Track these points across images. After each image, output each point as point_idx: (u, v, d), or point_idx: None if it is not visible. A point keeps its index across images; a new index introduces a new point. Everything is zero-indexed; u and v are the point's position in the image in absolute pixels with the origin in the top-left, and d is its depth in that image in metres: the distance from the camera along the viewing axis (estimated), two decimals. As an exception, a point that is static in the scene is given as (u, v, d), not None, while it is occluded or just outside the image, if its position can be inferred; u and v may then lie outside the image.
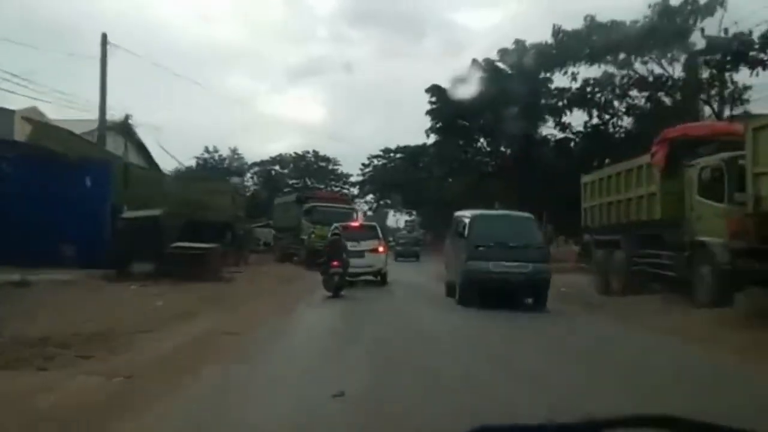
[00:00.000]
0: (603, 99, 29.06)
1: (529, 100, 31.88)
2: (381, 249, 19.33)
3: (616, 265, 15.12)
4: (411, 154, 53.77)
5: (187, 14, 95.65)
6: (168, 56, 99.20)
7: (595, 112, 29.63)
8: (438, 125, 36.39)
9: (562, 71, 27.83)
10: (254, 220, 49.18)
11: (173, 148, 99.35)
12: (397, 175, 57.57)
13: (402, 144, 59.72)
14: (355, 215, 27.97)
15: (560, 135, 32.11)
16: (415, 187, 52.38)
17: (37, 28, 57.38)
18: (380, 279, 18.92)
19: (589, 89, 28.52)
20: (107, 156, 19.37)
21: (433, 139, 38.57)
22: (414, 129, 63.59)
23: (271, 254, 33.14)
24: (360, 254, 18.28)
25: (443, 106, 34.35)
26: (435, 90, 35.68)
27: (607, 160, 30.20)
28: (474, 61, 34.32)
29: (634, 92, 28.21)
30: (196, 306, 11.72)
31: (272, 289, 16.40)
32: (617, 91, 28.31)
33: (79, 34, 56.26)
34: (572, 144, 31.34)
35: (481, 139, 37.07)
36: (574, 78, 27.92)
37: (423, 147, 47.00)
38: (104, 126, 21.01)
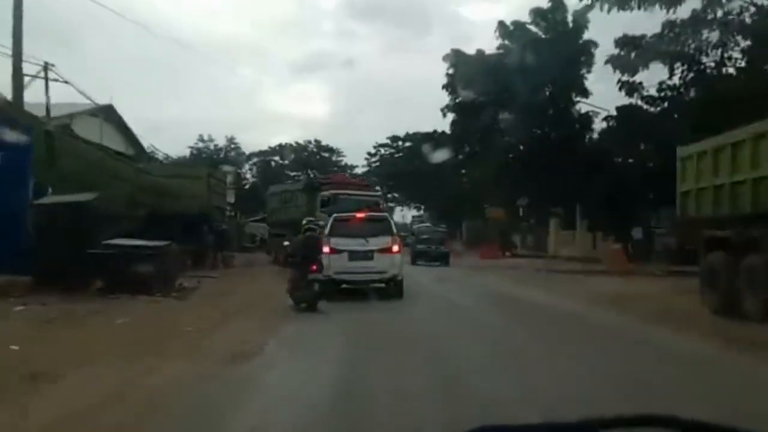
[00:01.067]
0: (693, 47, 21.45)
1: (567, 69, 26.54)
2: (395, 248, 14.09)
3: (752, 276, 9.87)
4: (420, 141, 48.81)
5: (193, 7, 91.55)
6: (170, 50, 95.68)
7: (678, 68, 21.89)
8: (457, 100, 30.85)
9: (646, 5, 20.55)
10: (252, 213, 44.70)
11: (172, 140, 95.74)
12: (404, 166, 52.73)
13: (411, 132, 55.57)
14: (382, 204, 22.66)
15: (610, 106, 25.78)
16: (423, 179, 47.52)
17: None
18: (394, 287, 13.77)
19: (671, 35, 21.01)
20: (25, 120, 14.01)
21: (450, 119, 33.14)
22: (419, 126, 60.12)
23: (268, 254, 27.85)
24: (367, 255, 13.47)
25: (464, 75, 28.68)
26: (455, 57, 30.19)
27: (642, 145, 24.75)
28: (500, 23, 29.00)
29: (738, 38, 20.81)
30: (78, 354, 6.59)
31: (241, 308, 11.23)
32: (719, 33, 20.63)
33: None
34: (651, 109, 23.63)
35: (507, 115, 31.40)
36: (673, 3, 19.79)
37: (434, 133, 42.20)
38: (21, 78, 15.79)
